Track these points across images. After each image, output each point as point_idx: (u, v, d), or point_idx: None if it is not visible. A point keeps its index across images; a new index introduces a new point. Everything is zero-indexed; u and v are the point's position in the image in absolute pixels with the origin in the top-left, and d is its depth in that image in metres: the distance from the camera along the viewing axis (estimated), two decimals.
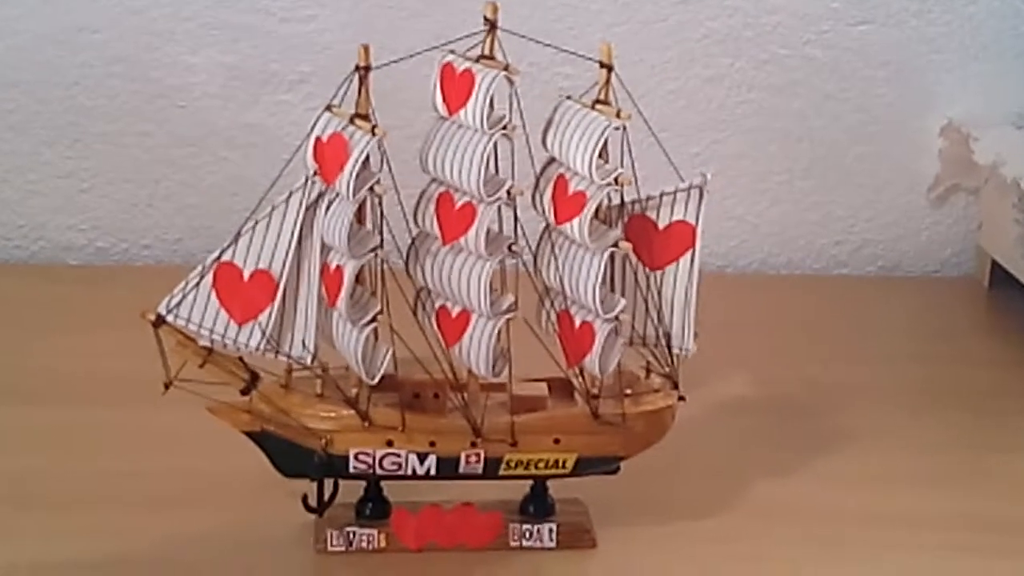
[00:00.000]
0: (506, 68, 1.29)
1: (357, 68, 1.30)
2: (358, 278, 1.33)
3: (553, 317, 1.32)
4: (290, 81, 1.91)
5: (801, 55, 1.92)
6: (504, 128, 1.29)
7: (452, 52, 1.33)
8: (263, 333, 1.25)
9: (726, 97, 1.94)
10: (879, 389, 1.66)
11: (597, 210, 1.27)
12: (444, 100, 1.32)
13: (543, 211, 1.35)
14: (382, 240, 1.31)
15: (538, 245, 1.31)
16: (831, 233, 2.03)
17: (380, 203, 1.30)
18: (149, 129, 1.92)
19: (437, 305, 1.32)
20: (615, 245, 1.28)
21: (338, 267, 1.31)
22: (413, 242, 1.36)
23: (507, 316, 1.29)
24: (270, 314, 1.25)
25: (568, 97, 1.33)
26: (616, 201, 1.29)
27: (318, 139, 1.30)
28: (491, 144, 1.26)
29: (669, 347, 1.32)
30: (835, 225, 2.02)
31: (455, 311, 1.31)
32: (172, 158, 1.94)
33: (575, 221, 1.28)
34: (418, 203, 1.36)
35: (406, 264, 1.36)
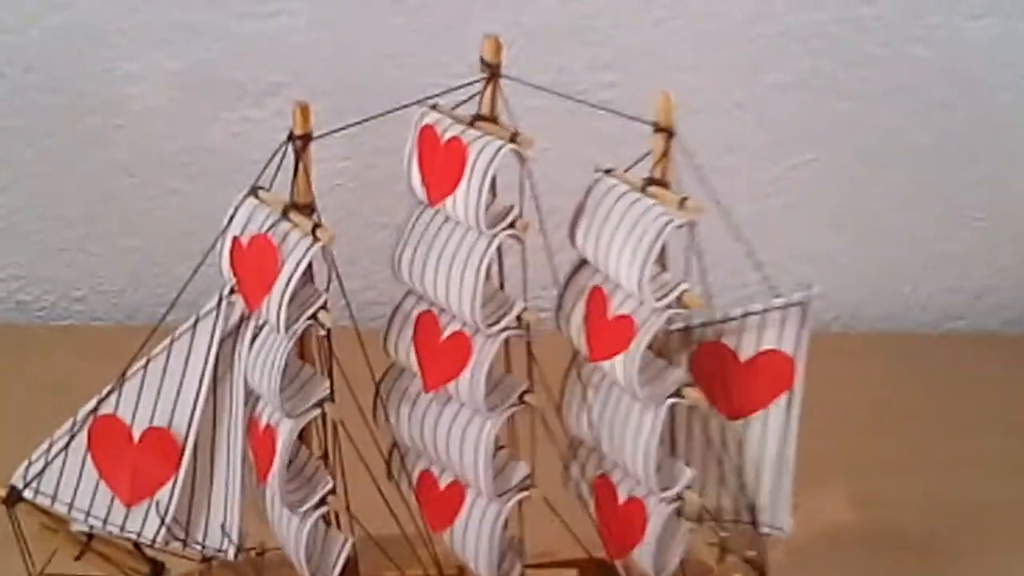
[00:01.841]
0: (513, 138, 0.93)
1: (291, 138, 0.93)
2: (301, 437, 0.98)
3: (584, 487, 1.03)
4: (257, 93, 1.65)
5: (903, 55, 1.68)
6: (512, 226, 0.94)
7: (435, 108, 0.96)
8: (162, 518, 0.98)
9: (806, 109, 1.68)
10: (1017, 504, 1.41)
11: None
12: (424, 180, 0.96)
13: (571, 337, 1.00)
14: (332, 391, 0.95)
15: (564, 381, 1.02)
16: (942, 278, 1.80)
17: (328, 337, 0.94)
18: (79, 154, 1.69)
19: (419, 469, 1.03)
20: (678, 393, 0.98)
21: (268, 427, 0.96)
22: (383, 378, 1.01)
23: (519, 496, 1.00)
24: (172, 491, 0.98)
25: (608, 172, 0.98)
26: (679, 324, 0.99)
27: (236, 241, 0.94)
28: (492, 248, 0.94)
29: (755, 525, 1.04)
30: (947, 268, 1.79)
31: (444, 480, 1.02)
32: (109, 190, 1.71)
33: (619, 360, 0.96)
34: (390, 322, 1.00)
35: (373, 411, 0.99)
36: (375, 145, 1.53)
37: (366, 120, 0.93)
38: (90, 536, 0.99)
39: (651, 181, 0.95)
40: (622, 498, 1.01)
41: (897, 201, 1.74)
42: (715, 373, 1.00)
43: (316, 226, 0.90)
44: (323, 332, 0.92)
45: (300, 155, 0.92)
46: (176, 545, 0.99)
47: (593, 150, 1.06)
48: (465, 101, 0.95)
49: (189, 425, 0.96)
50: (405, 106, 0.95)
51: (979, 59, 1.69)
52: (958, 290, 1.80)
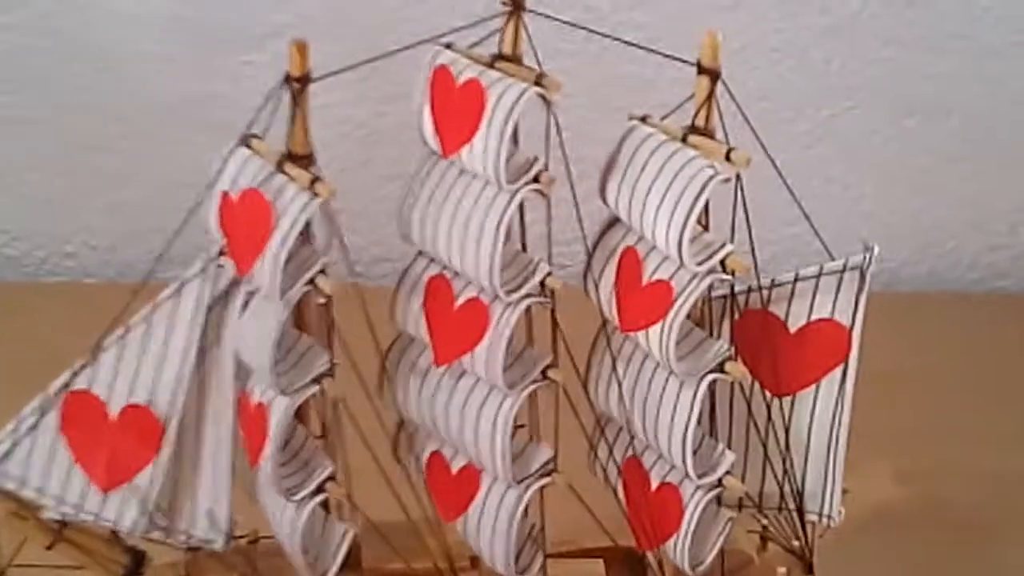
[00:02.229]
0: (539, 79, 0.82)
1: (288, 80, 0.83)
2: (298, 415, 0.89)
3: (613, 468, 0.94)
4: (258, 36, 1.58)
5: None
6: (536, 179, 0.83)
7: (449, 47, 0.86)
8: (142, 505, 0.89)
9: (850, 55, 1.65)
10: None
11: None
12: (437, 129, 0.85)
13: (600, 304, 0.90)
14: (332, 365, 0.86)
15: (591, 352, 0.92)
16: (988, 235, 1.76)
17: (328, 305, 0.84)
18: (68, 101, 1.63)
19: (428, 451, 0.94)
20: (720, 368, 0.88)
21: (260, 404, 0.87)
22: (389, 350, 0.91)
23: (541, 483, 0.90)
24: (153, 474, 0.89)
25: (643, 119, 0.88)
26: (721, 291, 0.89)
27: (225, 196, 0.84)
28: (513, 206, 0.84)
29: (801, 512, 0.95)
30: (993, 224, 1.75)
31: (457, 464, 0.93)
32: (100, 140, 1.65)
33: (655, 331, 0.86)
34: (398, 287, 0.90)
35: (379, 386, 0.92)
36: (385, 90, 1.46)
37: (372, 60, 0.83)
38: (63, 524, 0.90)
39: (693, 129, 0.85)
40: (655, 483, 0.91)
41: (945, 154, 1.71)
42: (761, 345, 0.92)
43: (315, 179, 0.80)
44: (322, 300, 0.82)
45: (297, 99, 0.82)
46: (158, 534, 0.89)
47: (626, 94, 0.97)
48: (484, 38, 0.85)
49: (172, 402, 0.86)
50: (416, 44, 0.85)
51: None
52: (1003, 248, 1.78)
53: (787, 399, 0.93)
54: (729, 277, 0.85)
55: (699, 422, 0.88)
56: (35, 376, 0.95)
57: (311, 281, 0.82)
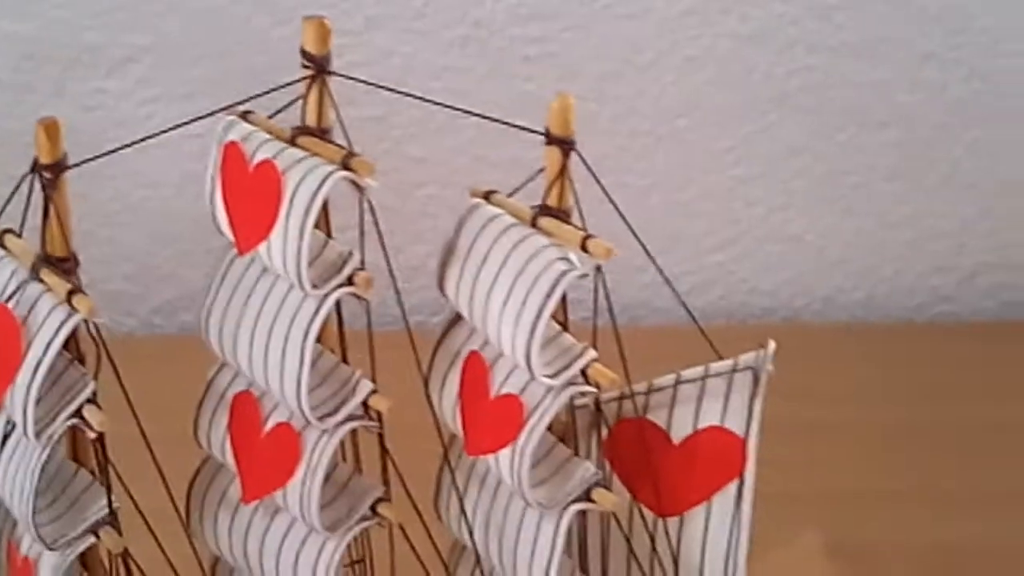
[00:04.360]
0: (346, 160, 0.68)
1: (35, 168, 0.70)
2: (86, 565, 0.74)
3: None
4: (114, 60, 1.46)
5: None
6: (350, 282, 0.70)
7: (246, 115, 0.71)
8: None
9: (774, 64, 1.54)
10: None
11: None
12: (230, 220, 0.71)
13: (443, 419, 0.77)
14: (111, 509, 0.72)
15: (440, 471, 0.78)
16: (930, 256, 1.65)
17: (101, 445, 0.70)
18: None
19: None
20: (586, 496, 0.74)
21: (26, 559, 0.73)
22: (195, 477, 0.77)
23: None
24: None
25: (488, 196, 0.74)
26: (586, 400, 0.75)
27: None
28: (322, 314, 0.70)
29: None
30: (935, 245, 1.65)
31: None
32: None
33: (505, 456, 0.72)
34: (202, 403, 0.76)
35: (187, 518, 0.74)
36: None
37: (128, 147, 0.68)
38: None
39: (544, 210, 0.71)
40: None
41: (880, 170, 1.62)
42: (640, 458, 0.78)
43: (72, 290, 0.65)
44: (93, 435, 0.68)
45: (49, 192, 0.67)
46: None
47: (473, 163, 0.83)
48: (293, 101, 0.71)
49: None
50: (209, 114, 0.70)
51: (979, 3, 1.56)
52: (948, 270, 1.68)
53: (673, 520, 0.79)
54: (592, 389, 0.71)
55: (567, 554, 0.75)
56: None
57: (77, 414, 0.68)
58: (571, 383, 0.70)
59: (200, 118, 0.70)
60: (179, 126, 0.75)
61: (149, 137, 0.74)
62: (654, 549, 0.79)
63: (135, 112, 1.43)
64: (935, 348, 1.60)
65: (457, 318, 0.74)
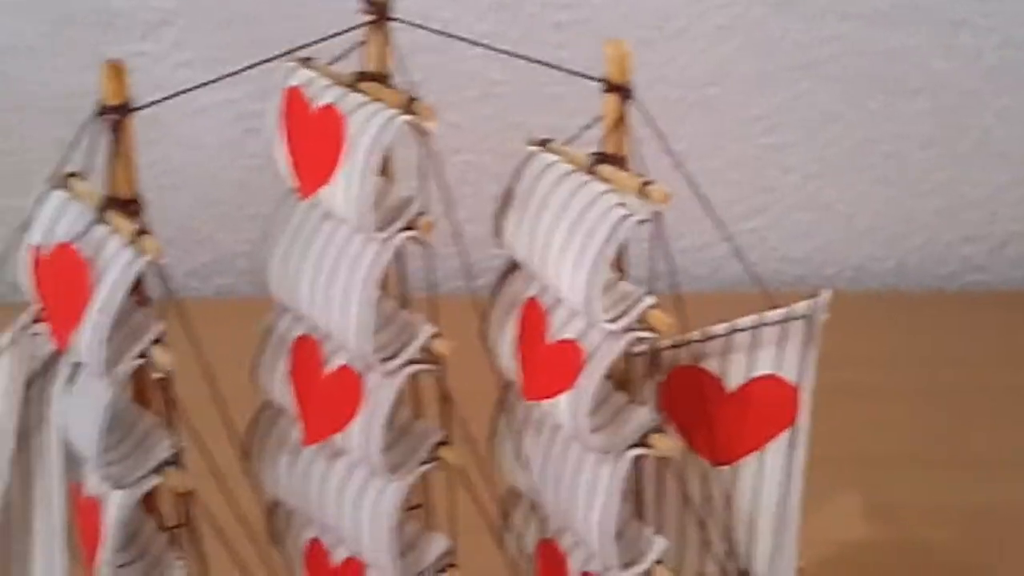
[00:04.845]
0: (409, 104, 0.68)
1: (102, 111, 0.69)
2: (147, 507, 0.75)
3: (523, 557, 0.80)
4: (145, 23, 1.47)
5: None
6: (411, 226, 0.70)
7: (306, 62, 0.72)
8: None
9: (806, 31, 1.55)
10: None
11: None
12: (293, 163, 0.71)
13: (500, 366, 0.77)
14: (178, 452, 0.72)
15: (495, 417, 0.78)
16: (961, 225, 1.66)
17: (167, 385, 0.70)
18: None
19: (305, 538, 0.80)
20: (643, 441, 0.74)
21: (93, 498, 0.72)
22: (254, 420, 0.77)
23: None
24: None
25: (544, 144, 0.74)
26: (643, 347, 0.75)
27: (36, 251, 0.70)
28: (384, 258, 0.70)
29: None
30: (967, 214, 1.66)
31: (338, 556, 0.80)
32: None
33: (564, 400, 0.73)
34: (261, 347, 0.76)
35: (246, 454, 0.77)
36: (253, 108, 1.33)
37: (205, 84, 0.69)
38: None
39: (602, 157, 0.71)
40: (574, 572, 0.78)
41: (913, 138, 1.63)
42: (694, 407, 0.78)
43: (139, 231, 0.66)
44: (160, 374, 0.69)
45: (117, 133, 0.68)
46: None
47: (530, 113, 0.83)
48: (348, 50, 0.72)
49: None
50: (267, 60, 0.71)
51: None
52: (979, 239, 1.69)
53: (727, 468, 0.80)
54: (650, 335, 0.72)
55: (623, 502, 0.75)
56: None
57: (143, 354, 0.69)
58: (629, 329, 0.71)
59: (261, 63, 0.71)
60: (234, 73, 0.75)
61: (212, 81, 0.74)
62: (707, 498, 0.79)
63: (172, 75, 1.43)
64: (964, 317, 1.58)
65: (513, 267, 0.75)
